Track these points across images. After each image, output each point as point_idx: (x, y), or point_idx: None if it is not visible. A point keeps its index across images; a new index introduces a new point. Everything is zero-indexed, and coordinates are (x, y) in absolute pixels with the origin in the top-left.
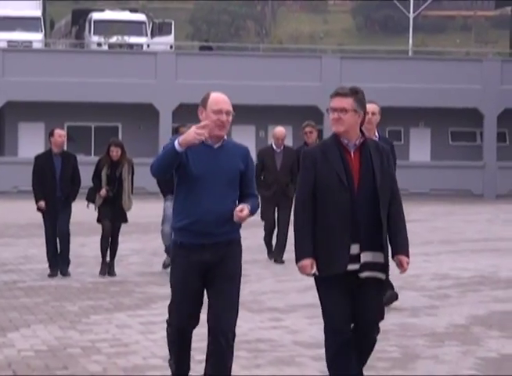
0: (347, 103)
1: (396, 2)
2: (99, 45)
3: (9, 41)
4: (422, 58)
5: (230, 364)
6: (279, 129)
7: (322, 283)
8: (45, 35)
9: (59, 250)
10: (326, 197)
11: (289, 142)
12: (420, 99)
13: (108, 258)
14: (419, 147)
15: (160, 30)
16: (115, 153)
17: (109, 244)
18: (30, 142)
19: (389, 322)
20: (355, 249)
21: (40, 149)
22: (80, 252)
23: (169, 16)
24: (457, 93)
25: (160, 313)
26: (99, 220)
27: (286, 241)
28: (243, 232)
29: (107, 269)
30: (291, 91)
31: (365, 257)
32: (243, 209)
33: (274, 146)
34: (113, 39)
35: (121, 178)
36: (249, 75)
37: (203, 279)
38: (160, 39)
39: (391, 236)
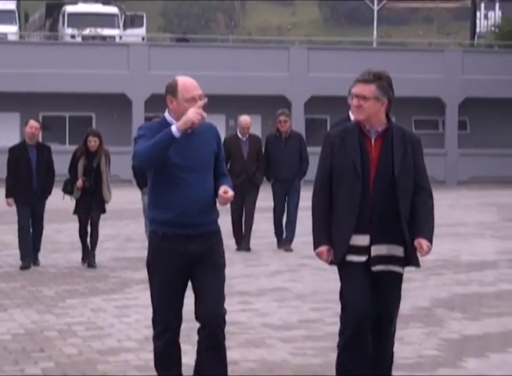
0: (369, 90)
1: None
2: (73, 37)
3: None
4: (386, 49)
5: (225, 354)
6: (245, 118)
7: (342, 268)
8: (20, 28)
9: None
10: (339, 185)
11: (258, 130)
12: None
13: (89, 249)
14: None
15: (132, 22)
16: (93, 143)
17: (90, 234)
18: (5, 131)
19: None
20: (363, 240)
21: (15, 138)
22: (55, 238)
23: (141, 8)
24: (420, 83)
25: (134, 297)
26: (75, 212)
27: (252, 224)
28: None
29: (87, 260)
30: (260, 81)
31: (378, 250)
32: (226, 191)
33: (239, 135)
34: (87, 31)
35: (99, 170)
36: (219, 66)
37: (189, 271)
38: (132, 31)
39: (414, 224)
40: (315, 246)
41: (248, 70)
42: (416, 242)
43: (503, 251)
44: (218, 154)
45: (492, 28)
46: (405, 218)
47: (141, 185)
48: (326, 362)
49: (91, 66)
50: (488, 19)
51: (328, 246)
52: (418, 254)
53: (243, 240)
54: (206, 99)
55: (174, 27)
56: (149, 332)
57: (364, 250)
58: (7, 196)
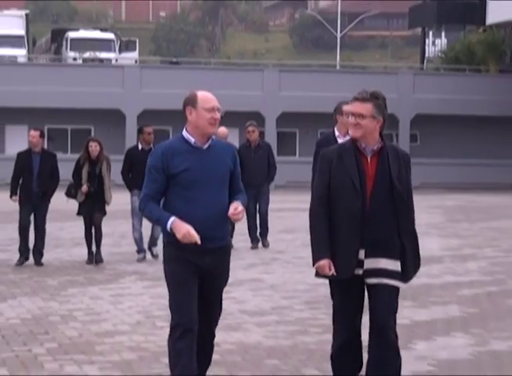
0: (366, 108)
1: (326, 24)
2: (75, 59)
3: None
4: (347, 71)
5: (211, 356)
6: (222, 129)
7: (336, 288)
8: (28, 51)
9: (33, 242)
10: (337, 200)
11: (236, 142)
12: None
13: (94, 248)
14: None
15: (126, 46)
16: (94, 147)
17: (94, 234)
18: (15, 142)
19: (320, 294)
20: (360, 254)
21: (23, 148)
22: (58, 235)
23: (134, 34)
24: None
25: (127, 287)
26: (78, 213)
27: (234, 227)
28: None
29: (94, 257)
30: (238, 99)
31: (372, 264)
32: (236, 207)
33: None
34: (87, 54)
35: (101, 175)
36: (202, 85)
37: (200, 279)
38: (126, 54)
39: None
40: (316, 259)
41: (227, 89)
42: None
43: (447, 248)
44: (234, 171)
45: (439, 54)
46: (402, 233)
47: (130, 188)
48: (295, 344)
49: (90, 85)
50: (435, 46)
51: (329, 259)
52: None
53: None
54: (223, 113)
55: (164, 51)
56: (141, 317)
57: (361, 263)
58: (11, 194)
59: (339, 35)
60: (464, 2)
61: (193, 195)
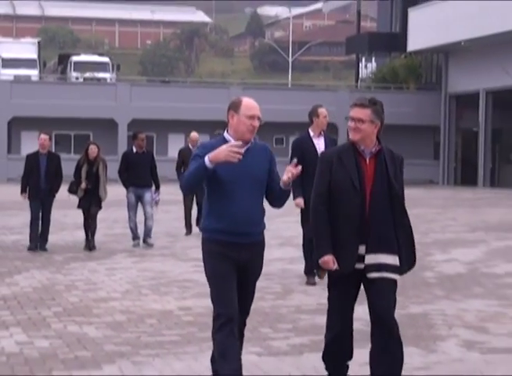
0: (365, 113)
1: (280, 51)
2: (77, 78)
3: (15, 76)
4: (297, 89)
5: (241, 346)
6: (194, 134)
7: (333, 285)
8: (40, 71)
9: (40, 231)
10: (338, 200)
11: None
12: (295, 117)
13: (90, 236)
14: None
15: (118, 68)
16: (93, 149)
17: (89, 224)
18: (29, 145)
19: (274, 268)
20: (360, 250)
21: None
22: (63, 221)
23: (125, 58)
24: None
25: (118, 262)
26: (79, 206)
27: (201, 216)
28: (168, 208)
29: (89, 243)
30: (208, 110)
31: (373, 259)
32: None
33: (191, 147)
34: (87, 74)
35: (98, 174)
36: (179, 100)
37: (236, 273)
38: (118, 75)
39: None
40: (320, 255)
41: (200, 103)
42: None
43: None
44: (272, 170)
45: (370, 75)
46: (399, 230)
47: (125, 185)
48: (254, 308)
49: (90, 99)
50: (367, 69)
51: (332, 255)
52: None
53: (187, 228)
54: (262, 122)
55: (149, 72)
56: (129, 286)
57: (361, 258)
58: (21, 192)
59: (290, 60)
60: (389, 34)
61: (231, 193)
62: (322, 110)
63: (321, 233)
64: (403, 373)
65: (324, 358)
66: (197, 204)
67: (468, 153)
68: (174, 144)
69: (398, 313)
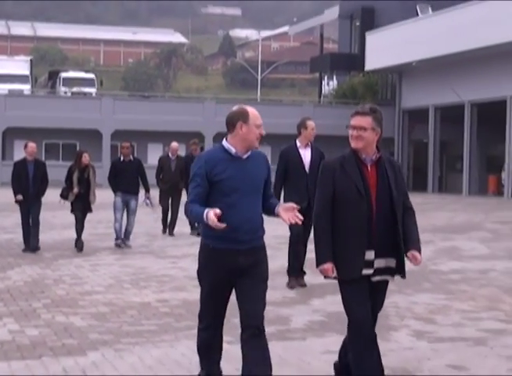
0: (367, 121)
1: (250, 69)
2: (65, 92)
3: (9, 90)
4: (266, 103)
5: (269, 354)
6: (174, 144)
7: (345, 285)
8: (32, 86)
9: (31, 233)
10: (344, 208)
11: (183, 153)
12: (264, 128)
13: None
14: None
15: (101, 84)
16: (86, 158)
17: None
18: (22, 152)
19: None
20: (369, 255)
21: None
22: (52, 221)
23: (109, 75)
24: (284, 125)
25: (102, 259)
26: (72, 211)
27: (177, 217)
28: (148, 211)
29: (75, 243)
30: (185, 122)
31: (379, 263)
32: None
33: (170, 155)
34: (74, 89)
35: (88, 180)
36: (158, 113)
37: (235, 281)
38: (102, 90)
39: (405, 237)
40: (319, 263)
41: (177, 115)
42: (410, 254)
43: None
44: (268, 179)
45: (332, 91)
46: (401, 234)
47: (114, 190)
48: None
49: (77, 111)
50: (329, 86)
51: (332, 263)
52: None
53: (170, 228)
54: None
55: (131, 87)
56: (112, 281)
57: (370, 263)
58: (15, 195)
59: (259, 77)
60: (349, 54)
61: (232, 201)
62: (310, 123)
63: (322, 240)
64: None
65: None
66: (172, 208)
67: (419, 162)
68: (154, 153)
69: None
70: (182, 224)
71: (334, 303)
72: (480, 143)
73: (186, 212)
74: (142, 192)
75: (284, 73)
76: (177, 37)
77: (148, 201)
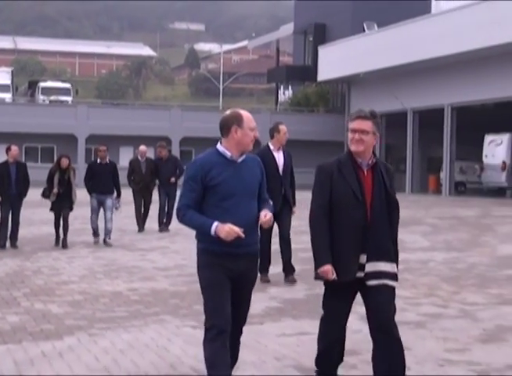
0: (368, 125)
1: (212, 79)
2: (44, 101)
3: None
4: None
5: (237, 354)
6: (142, 147)
7: (330, 289)
8: (13, 95)
9: (10, 231)
10: (340, 211)
11: (151, 156)
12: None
13: (62, 236)
14: None
15: (76, 93)
16: (64, 162)
17: (62, 225)
18: (4, 155)
19: None
20: (361, 259)
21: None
22: (31, 217)
23: (84, 84)
24: None
25: (77, 251)
26: (51, 209)
27: (147, 215)
28: (119, 208)
29: (61, 242)
30: (153, 128)
31: (372, 267)
32: (265, 215)
33: (140, 158)
34: (52, 97)
35: (69, 181)
36: (129, 119)
37: (232, 283)
38: (78, 98)
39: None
40: (319, 265)
41: (146, 121)
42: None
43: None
44: (262, 182)
45: (287, 100)
46: (395, 238)
47: (89, 191)
48: (190, 289)
49: (54, 117)
50: (285, 95)
51: (331, 265)
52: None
53: (141, 225)
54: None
55: (104, 96)
56: (86, 272)
57: (362, 267)
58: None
59: (221, 87)
60: (303, 66)
61: (228, 205)
62: (282, 127)
63: (321, 243)
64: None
65: (317, 363)
66: (144, 207)
67: None
68: (125, 155)
69: (308, 294)
70: (151, 220)
71: (290, 291)
72: (421, 146)
73: (180, 217)
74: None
75: (244, 83)
76: (146, 51)
77: (118, 205)
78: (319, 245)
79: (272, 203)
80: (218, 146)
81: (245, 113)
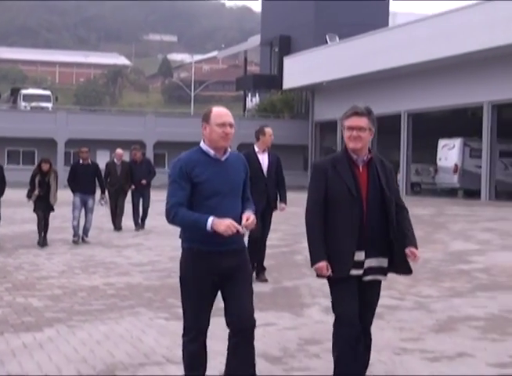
0: (364, 121)
1: (184, 87)
2: (25, 107)
3: None
4: (198, 116)
5: (254, 355)
6: (118, 150)
7: (334, 283)
8: None
9: None
10: (336, 208)
11: (127, 159)
12: (197, 138)
13: (42, 234)
14: None
15: (56, 100)
16: (44, 167)
17: (43, 225)
18: None
19: (180, 252)
20: (359, 256)
21: None
22: (13, 216)
23: (63, 92)
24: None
25: (56, 249)
26: (34, 210)
27: (122, 215)
28: (96, 207)
29: (42, 241)
30: (128, 132)
31: (369, 263)
32: (248, 217)
33: (116, 161)
34: (33, 104)
35: (49, 184)
36: (106, 124)
37: (219, 284)
38: (58, 105)
39: (402, 235)
40: (314, 261)
41: (122, 127)
42: (408, 251)
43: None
44: (245, 181)
45: (255, 106)
46: (393, 234)
47: (72, 191)
48: (163, 284)
49: (35, 123)
50: (252, 102)
51: (326, 261)
52: (409, 262)
53: (117, 224)
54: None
55: (82, 102)
56: (65, 267)
57: (361, 264)
58: None
59: (192, 94)
60: (269, 75)
61: (212, 203)
62: (268, 130)
63: (316, 239)
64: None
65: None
66: (117, 206)
67: None
68: (102, 158)
69: (274, 287)
70: (127, 218)
71: (256, 285)
72: (380, 150)
73: (171, 217)
74: (98, 192)
75: (214, 91)
76: (122, 60)
77: (103, 202)
78: (314, 242)
79: (254, 204)
80: (202, 144)
81: (216, 109)
